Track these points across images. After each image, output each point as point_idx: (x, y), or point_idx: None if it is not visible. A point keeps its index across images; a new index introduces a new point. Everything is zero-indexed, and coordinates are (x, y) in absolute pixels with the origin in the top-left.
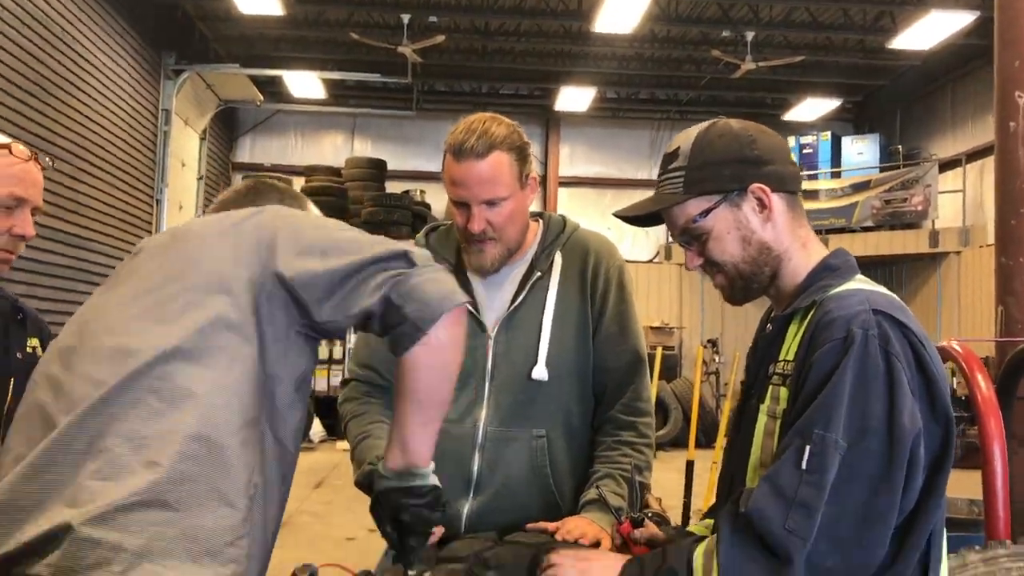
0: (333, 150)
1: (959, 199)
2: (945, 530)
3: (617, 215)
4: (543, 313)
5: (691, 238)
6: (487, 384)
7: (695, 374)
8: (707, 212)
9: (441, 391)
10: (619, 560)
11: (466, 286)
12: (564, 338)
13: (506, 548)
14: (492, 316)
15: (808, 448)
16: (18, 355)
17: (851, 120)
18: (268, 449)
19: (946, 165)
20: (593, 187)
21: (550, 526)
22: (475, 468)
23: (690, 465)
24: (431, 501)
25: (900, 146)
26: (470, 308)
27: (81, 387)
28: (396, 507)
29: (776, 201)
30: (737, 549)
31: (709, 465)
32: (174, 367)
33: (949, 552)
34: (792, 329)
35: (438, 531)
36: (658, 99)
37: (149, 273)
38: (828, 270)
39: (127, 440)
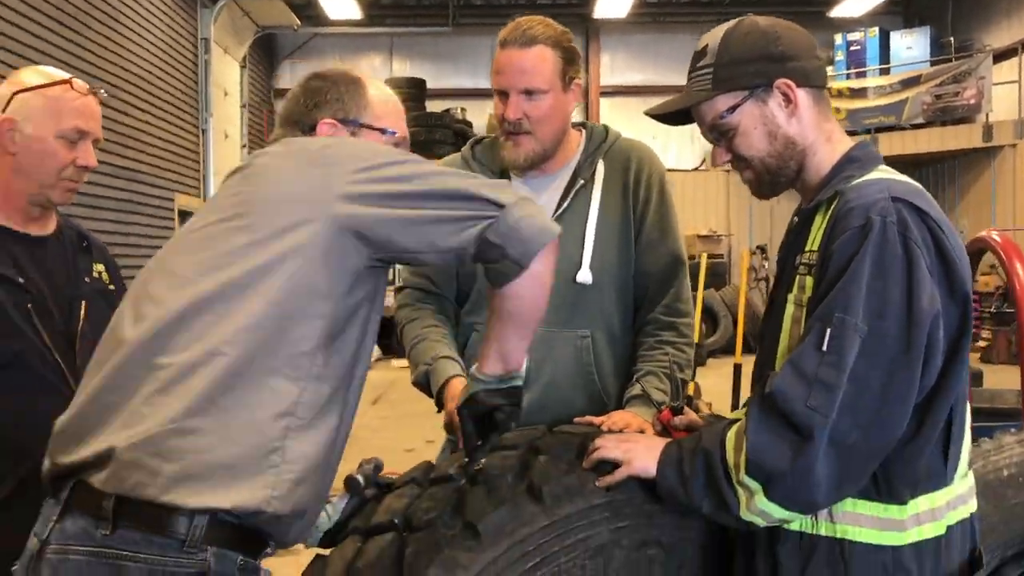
0: (372, 71)
1: (1015, 90)
2: (967, 410)
3: (647, 113)
4: (587, 220)
5: (719, 134)
6: None
7: (741, 279)
8: (734, 108)
9: (539, 311)
10: (660, 442)
11: None
12: (607, 243)
13: (556, 436)
14: None
15: (828, 331)
16: (86, 279)
17: (900, 14)
18: (319, 378)
19: (1000, 56)
20: (635, 96)
21: (596, 419)
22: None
23: (737, 369)
24: (519, 400)
25: (952, 38)
26: None
27: (148, 314)
28: (493, 406)
29: (801, 96)
30: (763, 427)
31: None
32: (229, 299)
33: (988, 436)
34: (817, 220)
35: None
36: (700, 1)
37: (222, 207)
38: (851, 162)
39: (174, 369)
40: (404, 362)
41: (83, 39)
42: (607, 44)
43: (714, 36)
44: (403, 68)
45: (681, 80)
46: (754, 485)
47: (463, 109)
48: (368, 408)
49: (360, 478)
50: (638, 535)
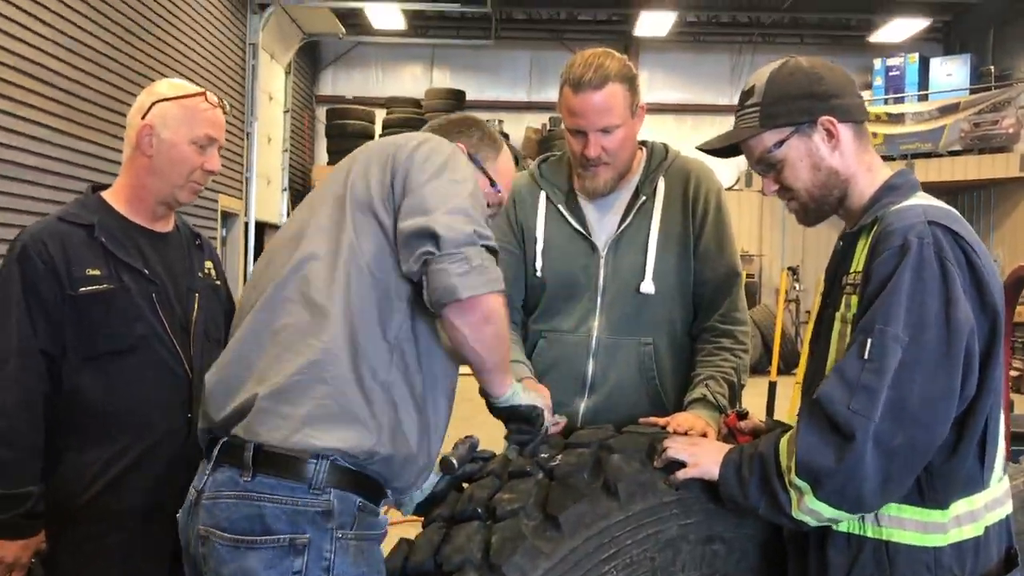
0: (413, 81)
1: None
2: (1000, 418)
3: (699, 148)
4: (649, 234)
5: (767, 167)
6: (599, 297)
7: (778, 301)
8: (781, 143)
9: (471, 358)
10: (723, 446)
11: (577, 211)
12: (668, 256)
13: (626, 436)
14: (603, 237)
15: (870, 341)
16: (200, 274)
17: (940, 41)
18: (408, 352)
19: None
20: (673, 113)
21: (661, 421)
22: (589, 372)
23: (772, 387)
24: (519, 416)
25: (992, 67)
26: (580, 230)
27: (264, 286)
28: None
29: (843, 131)
30: (811, 430)
31: (789, 392)
32: (317, 270)
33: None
34: (860, 244)
35: (561, 422)
36: (739, 22)
37: (323, 192)
38: (890, 190)
39: (293, 329)
40: None
41: (139, 41)
42: (646, 62)
43: (760, 76)
44: (443, 79)
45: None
46: (804, 486)
47: (501, 121)
48: None
49: (454, 460)
50: (704, 531)
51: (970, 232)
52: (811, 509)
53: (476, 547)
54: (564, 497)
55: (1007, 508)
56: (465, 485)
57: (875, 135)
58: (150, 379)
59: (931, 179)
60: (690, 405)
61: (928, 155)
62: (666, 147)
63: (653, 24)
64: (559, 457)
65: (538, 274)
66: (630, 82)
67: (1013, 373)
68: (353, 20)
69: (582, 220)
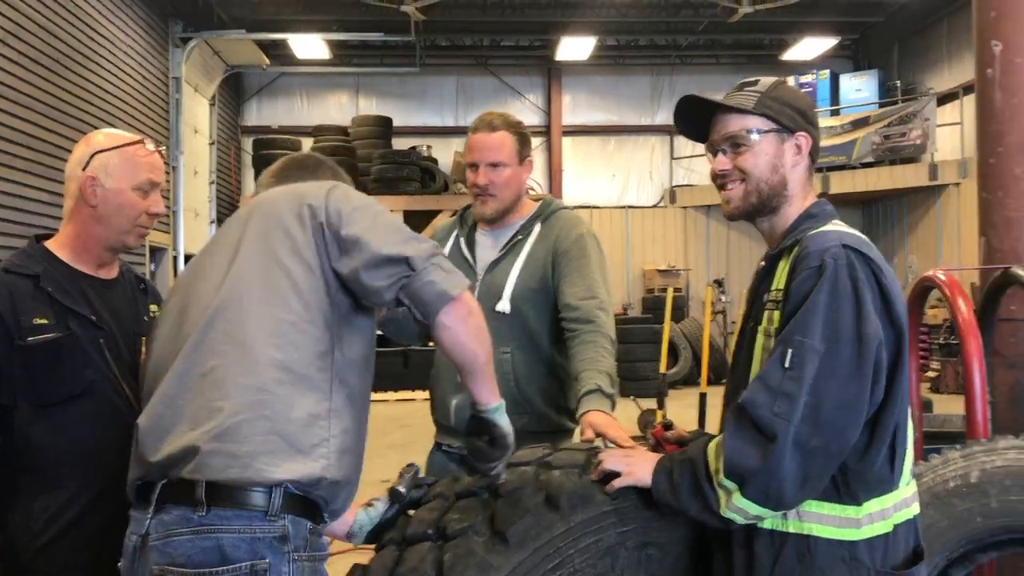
0: (339, 109)
1: (957, 132)
2: (909, 427)
3: (686, 98)
4: (514, 265)
5: (733, 144)
6: None
7: (705, 313)
8: (761, 131)
9: (468, 354)
10: (655, 456)
11: (472, 243)
12: (528, 282)
13: (564, 452)
14: (482, 265)
15: (790, 351)
16: (145, 318)
17: (850, 57)
18: (339, 379)
19: (944, 99)
20: (596, 135)
21: (589, 435)
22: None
23: (703, 397)
24: (490, 430)
25: (898, 81)
26: (468, 257)
27: (186, 331)
28: (473, 431)
29: (807, 156)
30: (737, 433)
31: (720, 401)
32: (242, 311)
33: (938, 454)
34: (781, 264)
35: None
36: (657, 45)
37: (234, 239)
38: (809, 217)
39: (223, 370)
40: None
41: (58, 78)
42: (569, 85)
43: (767, 79)
44: (369, 106)
45: (639, 119)
46: (732, 485)
47: (429, 146)
48: None
49: (402, 489)
50: (640, 537)
51: (878, 256)
52: (738, 507)
53: (430, 566)
54: (510, 513)
55: (914, 509)
56: (411, 512)
57: None
58: (101, 424)
59: (846, 190)
60: (587, 396)
61: (842, 167)
62: (552, 202)
63: (574, 49)
64: (500, 476)
65: None
66: (521, 136)
67: (931, 374)
68: (277, 51)
69: (472, 251)
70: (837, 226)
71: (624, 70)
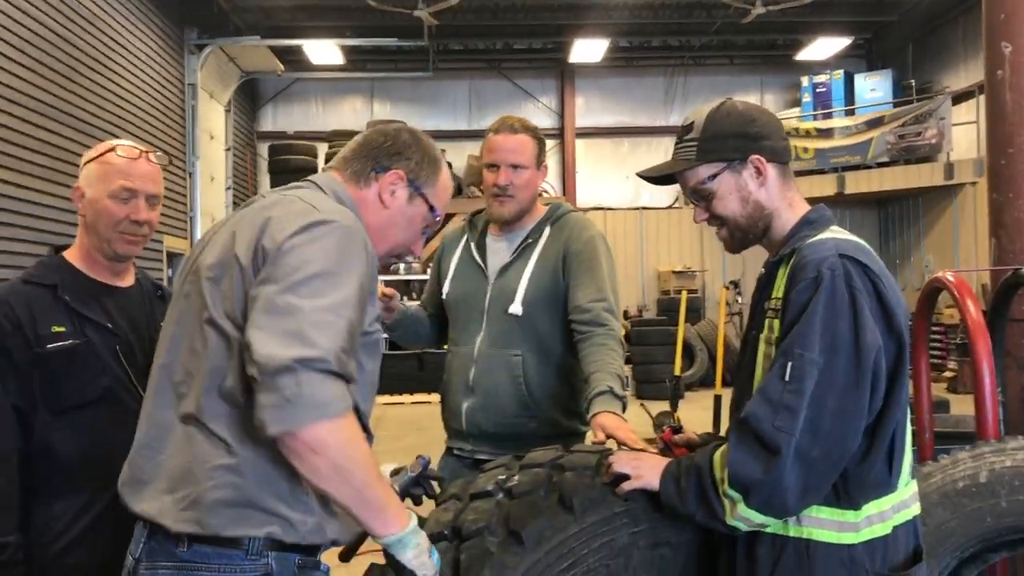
0: (353, 114)
1: (973, 130)
2: (907, 430)
3: (639, 175)
4: (526, 268)
5: (700, 197)
6: (484, 317)
7: (719, 315)
8: (714, 176)
9: (320, 489)
10: (663, 460)
11: (483, 248)
12: (539, 285)
13: (576, 454)
14: (493, 269)
15: (790, 364)
16: (161, 324)
17: (864, 57)
18: None
19: (959, 97)
20: (609, 136)
21: (600, 436)
22: (472, 376)
23: (718, 400)
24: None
25: (913, 80)
26: (479, 262)
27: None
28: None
29: (770, 169)
30: (740, 446)
31: None
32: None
33: (947, 455)
34: (780, 272)
35: None
36: (671, 46)
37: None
38: (807, 223)
39: (190, 434)
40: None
41: (75, 86)
42: (582, 87)
43: (699, 114)
44: (383, 111)
45: (652, 121)
46: (736, 495)
47: (443, 150)
48: None
49: (397, 488)
50: (652, 537)
51: (877, 263)
52: (743, 516)
53: (446, 566)
54: (525, 514)
55: (914, 510)
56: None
57: (806, 150)
58: (117, 429)
59: (861, 190)
60: (597, 397)
61: (857, 167)
62: (562, 205)
63: (587, 51)
64: (516, 477)
65: (444, 295)
66: (539, 140)
67: (948, 374)
68: (291, 56)
69: (483, 255)
70: (835, 233)
71: (637, 72)
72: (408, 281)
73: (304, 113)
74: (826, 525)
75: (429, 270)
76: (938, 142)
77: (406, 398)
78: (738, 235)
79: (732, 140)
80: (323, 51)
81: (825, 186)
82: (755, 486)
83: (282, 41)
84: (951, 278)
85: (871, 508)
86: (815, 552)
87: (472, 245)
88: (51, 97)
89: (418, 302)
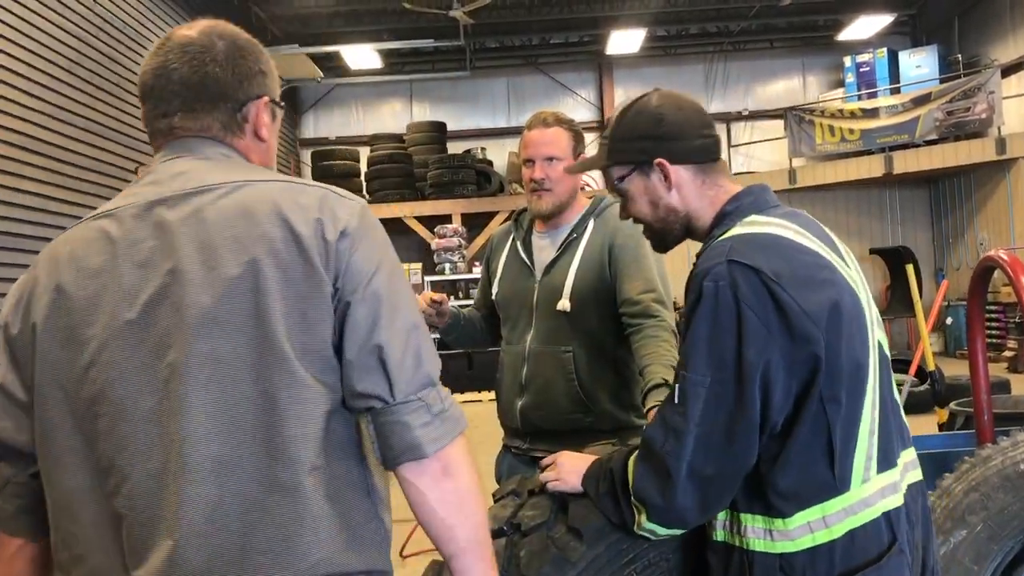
0: (393, 117)
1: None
2: (860, 427)
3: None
4: (572, 263)
5: (619, 195)
6: (533, 314)
7: None
8: (623, 178)
9: (436, 525)
10: (587, 459)
11: (528, 246)
12: (586, 279)
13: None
14: (540, 266)
15: (678, 386)
16: None
17: (908, 33)
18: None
19: (1008, 70)
20: None
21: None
22: (524, 374)
23: None
24: None
25: (959, 55)
26: (526, 260)
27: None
28: None
29: (678, 172)
30: (641, 464)
31: None
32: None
33: (1007, 436)
34: None
35: None
36: (709, 32)
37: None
38: (724, 217)
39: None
40: None
41: (122, 103)
42: (621, 79)
43: (618, 108)
44: (423, 112)
45: None
46: (640, 507)
47: (483, 148)
48: None
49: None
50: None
51: (776, 261)
52: (648, 528)
53: (507, 561)
54: (585, 511)
55: (882, 506)
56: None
57: (852, 131)
58: None
59: (910, 169)
60: (651, 392)
61: (905, 146)
62: (607, 198)
63: (624, 42)
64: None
65: (494, 296)
66: (575, 133)
67: (1008, 353)
68: (330, 63)
69: (529, 253)
70: (746, 226)
71: (676, 60)
72: (455, 281)
73: (345, 118)
74: (760, 534)
75: (475, 269)
76: (988, 116)
77: (456, 397)
78: (655, 237)
79: (638, 142)
80: (361, 56)
81: (873, 167)
82: (654, 507)
83: (320, 48)
84: (1004, 256)
85: (809, 515)
86: (753, 561)
87: (518, 243)
88: (99, 115)
89: (468, 302)
